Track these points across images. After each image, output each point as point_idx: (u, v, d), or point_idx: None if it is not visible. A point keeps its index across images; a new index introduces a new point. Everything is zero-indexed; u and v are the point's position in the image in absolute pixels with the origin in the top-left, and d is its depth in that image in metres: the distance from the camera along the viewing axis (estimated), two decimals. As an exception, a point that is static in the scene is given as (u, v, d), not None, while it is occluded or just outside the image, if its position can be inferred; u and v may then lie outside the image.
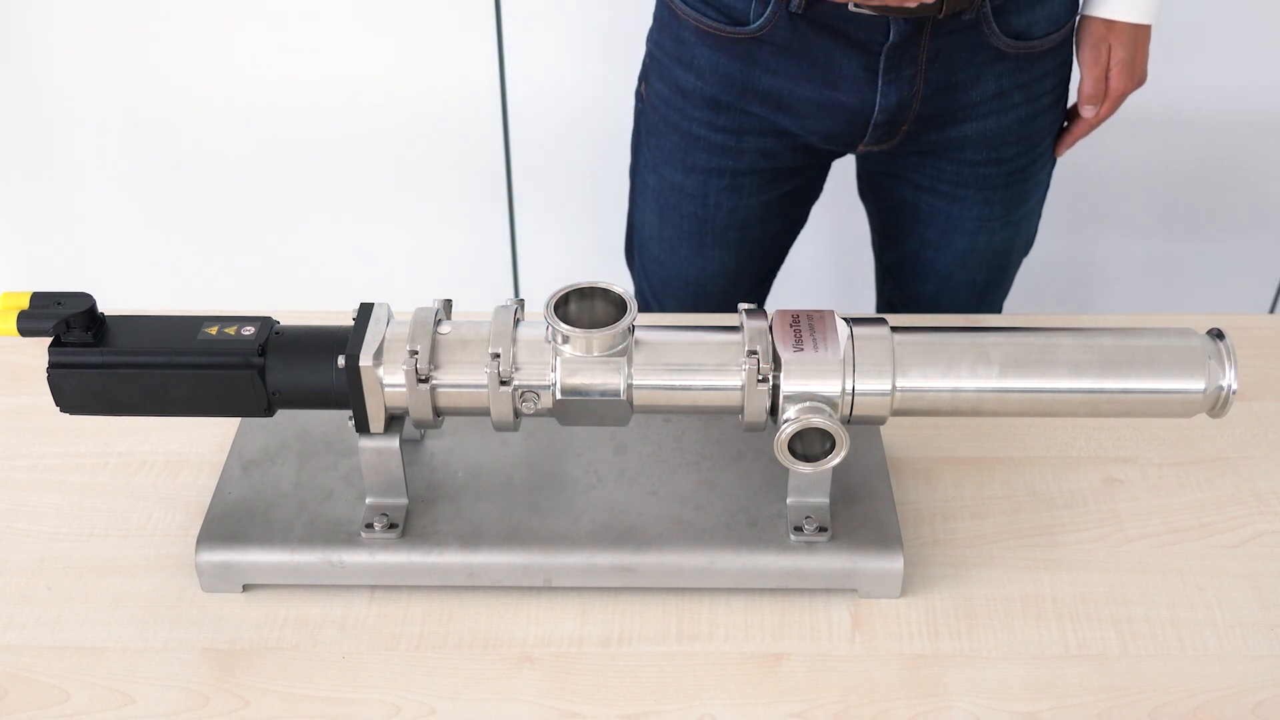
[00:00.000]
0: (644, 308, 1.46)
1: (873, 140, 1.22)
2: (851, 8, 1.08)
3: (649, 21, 1.29)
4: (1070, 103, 1.30)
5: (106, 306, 0.90)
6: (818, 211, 1.41)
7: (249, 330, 0.86)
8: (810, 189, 1.36)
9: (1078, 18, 1.23)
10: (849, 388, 0.83)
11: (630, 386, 0.85)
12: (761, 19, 1.13)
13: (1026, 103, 1.22)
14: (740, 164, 1.26)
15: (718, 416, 0.98)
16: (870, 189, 1.40)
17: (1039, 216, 1.39)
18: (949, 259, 1.35)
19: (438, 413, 0.87)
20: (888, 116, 1.18)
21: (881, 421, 0.86)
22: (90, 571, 0.93)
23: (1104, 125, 1.29)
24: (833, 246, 1.96)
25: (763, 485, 0.93)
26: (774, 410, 0.85)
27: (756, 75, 1.18)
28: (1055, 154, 1.32)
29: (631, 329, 0.85)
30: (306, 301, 2.03)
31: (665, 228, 1.35)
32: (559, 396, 0.84)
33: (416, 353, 0.84)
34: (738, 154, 1.25)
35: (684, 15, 1.18)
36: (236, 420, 0.99)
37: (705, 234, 1.33)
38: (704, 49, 1.19)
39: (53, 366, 0.85)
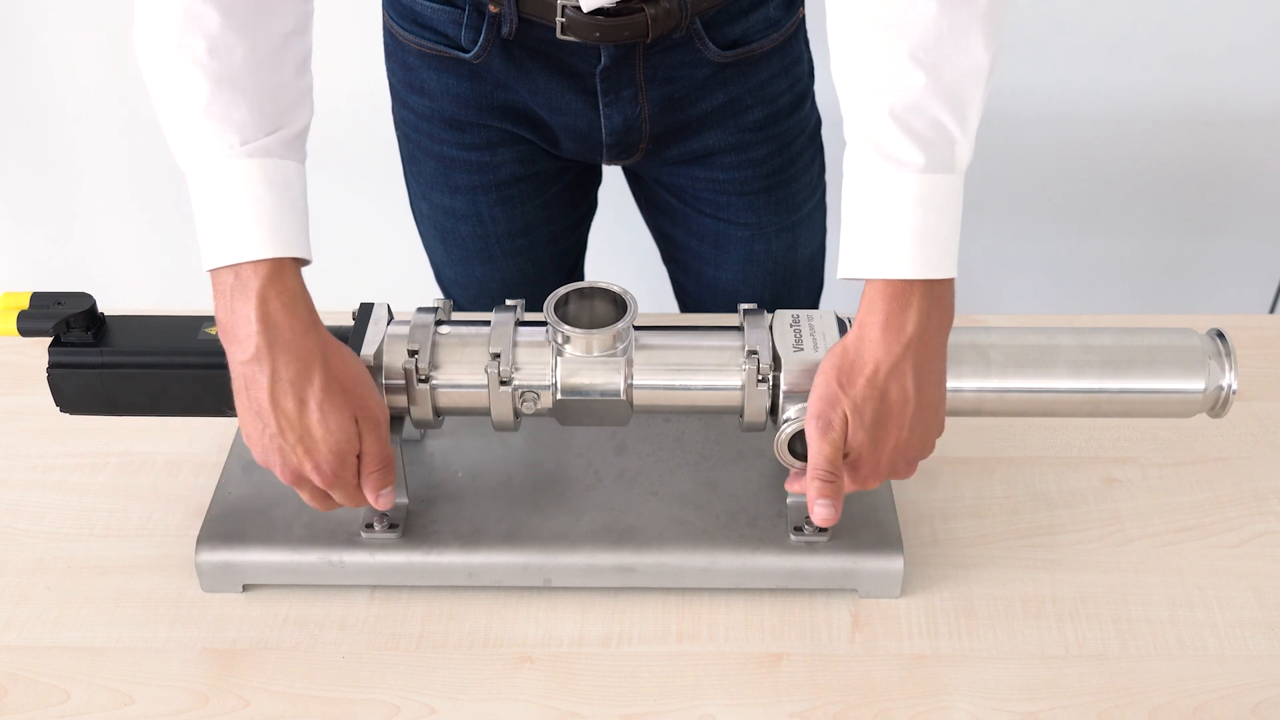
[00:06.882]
0: None
1: (613, 158, 1.19)
2: (559, 35, 1.05)
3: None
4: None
5: (106, 306, 0.90)
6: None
7: (249, 330, 0.85)
8: (588, 178, 1.30)
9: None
10: (849, 388, 0.83)
11: (630, 386, 0.85)
12: (476, 47, 1.09)
13: (762, 104, 1.17)
14: (502, 175, 1.21)
15: (718, 416, 0.98)
16: (643, 206, 1.34)
17: (823, 221, 1.32)
18: (730, 274, 1.29)
19: (438, 413, 0.87)
20: (617, 138, 1.15)
21: (881, 421, 0.86)
22: (90, 571, 0.93)
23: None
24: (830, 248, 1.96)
25: (763, 485, 0.93)
26: (774, 410, 0.85)
27: (488, 92, 1.14)
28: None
29: (631, 329, 0.85)
30: (306, 301, 2.02)
31: (451, 251, 1.30)
32: (559, 396, 0.84)
33: (416, 353, 0.84)
34: (495, 168, 1.21)
35: (405, 40, 1.14)
36: (236, 420, 0.99)
37: (491, 249, 1.28)
38: (431, 72, 1.14)
39: (53, 366, 0.85)
